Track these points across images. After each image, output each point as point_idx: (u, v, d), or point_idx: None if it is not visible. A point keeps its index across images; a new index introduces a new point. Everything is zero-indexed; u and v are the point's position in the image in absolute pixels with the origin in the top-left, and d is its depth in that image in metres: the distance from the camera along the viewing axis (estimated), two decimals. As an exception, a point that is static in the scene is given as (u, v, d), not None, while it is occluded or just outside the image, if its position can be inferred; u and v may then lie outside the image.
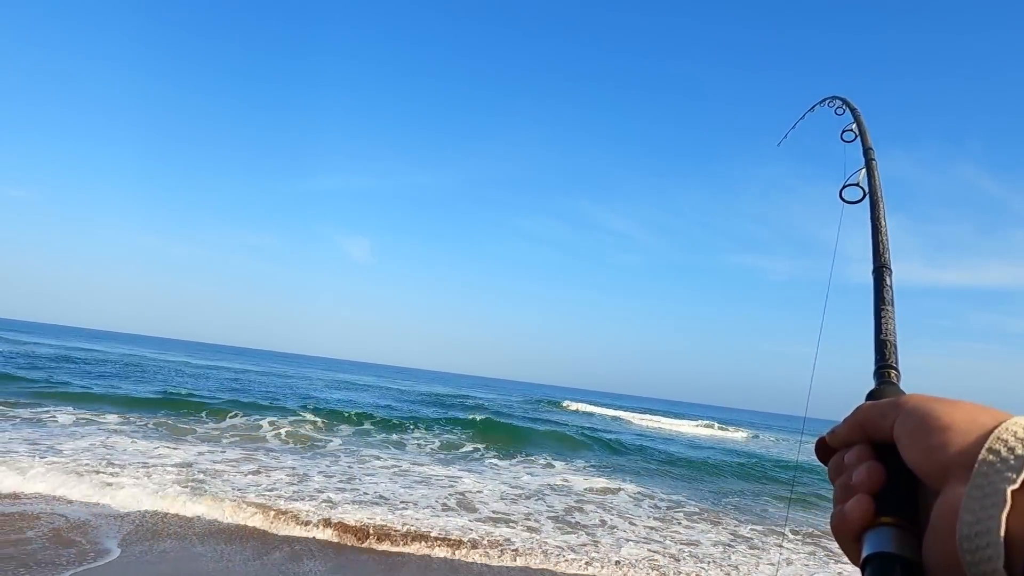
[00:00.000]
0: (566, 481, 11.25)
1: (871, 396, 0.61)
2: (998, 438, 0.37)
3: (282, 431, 13.14)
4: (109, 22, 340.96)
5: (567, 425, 22.53)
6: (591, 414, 37.35)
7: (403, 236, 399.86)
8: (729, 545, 7.95)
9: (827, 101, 1.63)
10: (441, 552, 6.16)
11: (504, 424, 18.93)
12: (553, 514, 8.38)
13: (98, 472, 7.51)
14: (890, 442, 0.45)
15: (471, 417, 19.08)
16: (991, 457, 0.36)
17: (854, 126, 1.31)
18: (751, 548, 7.97)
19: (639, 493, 10.98)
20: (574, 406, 41.33)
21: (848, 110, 1.41)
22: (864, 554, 0.41)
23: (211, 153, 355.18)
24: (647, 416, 41.16)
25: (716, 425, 40.93)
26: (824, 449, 0.52)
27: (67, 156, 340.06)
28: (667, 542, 7.63)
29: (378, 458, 11.29)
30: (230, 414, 14.42)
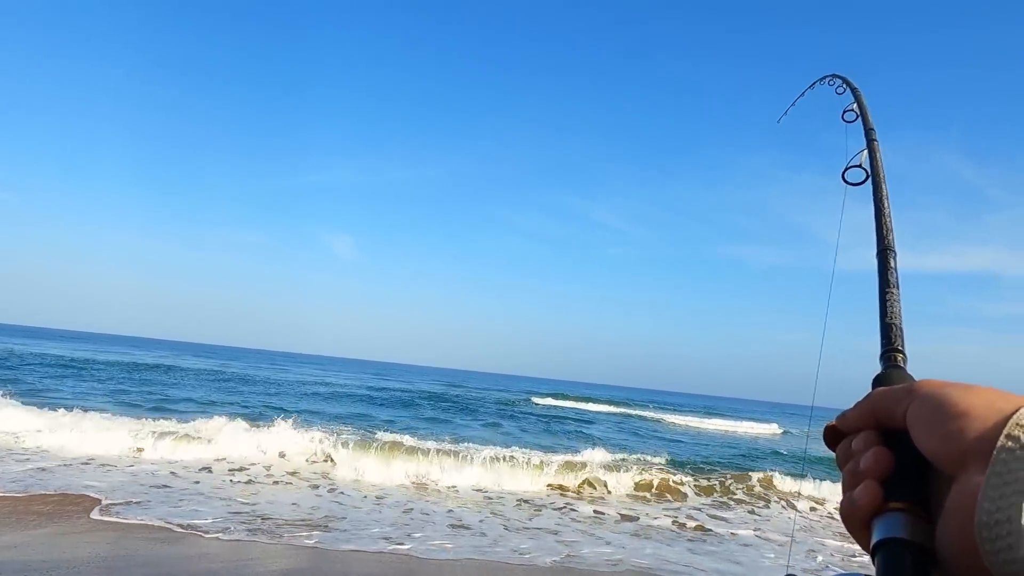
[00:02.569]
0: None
1: (878, 380, 0.59)
2: (1017, 424, 0.36)
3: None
4: (99, 15, 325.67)
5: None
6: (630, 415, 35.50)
7: (388, 232, 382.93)
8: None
9: (827, 79, 1.56)
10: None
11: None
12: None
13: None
14: (902, 428, 0.43)
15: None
16: (1010, 443, 0.35)
17: (855, 106, 1.28)
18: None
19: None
20: (602, 407, 39.40)
21: (848, 89, 1.37)
22: (874, 540, 0.41)
23: (186, 150, 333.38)
24: (696, 417, 37.08)
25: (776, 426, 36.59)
26: (833, 435, 0.50)
27: (42, 157, 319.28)
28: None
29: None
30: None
